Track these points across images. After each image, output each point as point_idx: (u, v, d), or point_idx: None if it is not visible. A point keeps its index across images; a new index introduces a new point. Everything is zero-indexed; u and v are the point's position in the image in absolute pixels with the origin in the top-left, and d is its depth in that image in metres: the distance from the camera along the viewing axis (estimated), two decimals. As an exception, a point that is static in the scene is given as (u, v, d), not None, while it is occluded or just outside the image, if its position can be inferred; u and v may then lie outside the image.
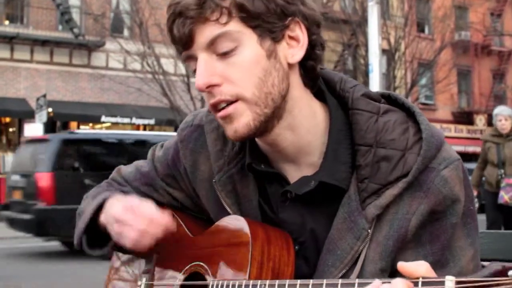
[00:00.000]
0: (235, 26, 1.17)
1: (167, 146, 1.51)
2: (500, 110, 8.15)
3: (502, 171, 7.84)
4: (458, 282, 0.93)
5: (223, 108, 1.21)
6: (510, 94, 35.27)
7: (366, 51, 19.68)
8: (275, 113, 1.22)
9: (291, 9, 1.20)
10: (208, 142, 1.40)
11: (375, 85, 10.92)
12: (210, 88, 1.20)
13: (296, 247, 1.27)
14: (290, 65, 1.23)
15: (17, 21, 22.69)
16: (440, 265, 1.19)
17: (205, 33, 1.17)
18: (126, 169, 1.58)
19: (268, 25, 1.19)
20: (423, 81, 29.68)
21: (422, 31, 30.75)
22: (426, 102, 30.95)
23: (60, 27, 23.22)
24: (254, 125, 1.21)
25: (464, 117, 33.56)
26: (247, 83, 1.19)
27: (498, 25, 35.28)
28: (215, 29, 1.16)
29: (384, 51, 19.14)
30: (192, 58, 1.22)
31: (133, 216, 1.33)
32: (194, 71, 1.22)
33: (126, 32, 24.16)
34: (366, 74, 21.61)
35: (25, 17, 22.70)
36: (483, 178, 8.21)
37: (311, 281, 1.11)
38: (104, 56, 23.60)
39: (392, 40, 25.51)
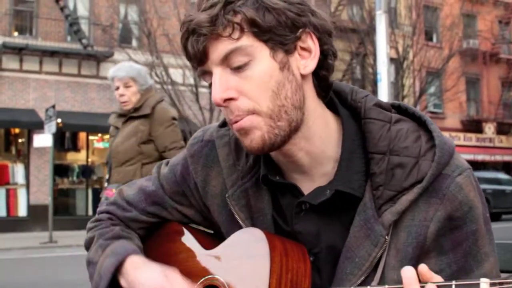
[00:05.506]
0: (247, 40, 1.19)
1: (173, 163, 1.51)
2: (115, 70, 5.16)
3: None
4: (492, 284, 0.97)
5: (238, 120, 1.23)
6: (519, 102, 35.18)
7: (374, 60, 19.67)
8: (291, 127, 1.23)
9: (302, 20, 1.22)
10: (220, 157, 1.41)
11: (384, 94, 10.90)
12: (227, 102, 1.22)
13: (311, 258, 1.27)
14: (303, 76, 1.25)
15: (26, 32, 22.83)
16: (464, 272, 1.21)
17: (219, 49, 1.19)
18: (129, 192, 1.55)
19: (279, 38, 1.20)
20: (432, 89, 29.65)
21: (430, 39, 30.73)
22: (434, 110, 30.89)
23: (68, 38, 23.33)
24: (269, 137, 1.22)
25: (473, 125, 33.46)
26: (262, 97, 1.21)
27: (506, 33, 35.25)
28: (227, 44, 1.18)
29: (392, 60, 19.12)
30: (208, 73, 1.24)
31: None
32: (210, 85, 1.25)
33: (134, 43, 24.27)
34: (374, 83, 21.60)
35: (34, 28, 22.85)
36: None
37: None
38: (113, 66, 23.64)
39: (400, 49, 25.55)
